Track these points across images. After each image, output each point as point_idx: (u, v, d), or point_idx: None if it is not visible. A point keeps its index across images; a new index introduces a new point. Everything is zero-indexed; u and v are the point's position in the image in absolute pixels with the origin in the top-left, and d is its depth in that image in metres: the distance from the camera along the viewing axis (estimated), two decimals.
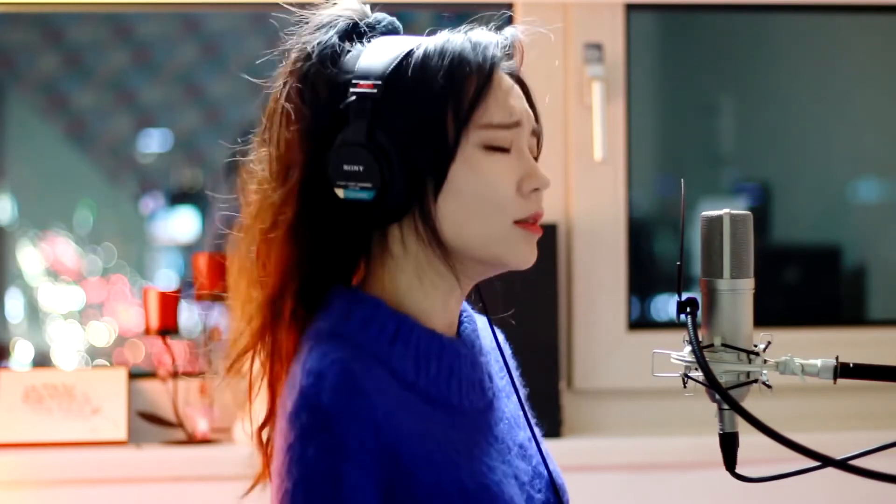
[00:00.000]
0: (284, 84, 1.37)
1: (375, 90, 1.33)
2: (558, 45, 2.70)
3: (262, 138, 1.38)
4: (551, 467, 1.45)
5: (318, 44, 1.36)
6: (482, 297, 1.47)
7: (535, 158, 1.40)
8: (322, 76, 1.35)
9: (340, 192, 1.33)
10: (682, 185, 1.43)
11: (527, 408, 1.51)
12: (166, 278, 5.29)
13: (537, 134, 1.41)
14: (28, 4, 2.88)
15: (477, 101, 1.34)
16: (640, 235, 3.90)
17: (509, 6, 2.75)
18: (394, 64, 1.34)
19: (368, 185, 1.32)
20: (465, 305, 1.46)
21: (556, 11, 2.72)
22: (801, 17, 3.55)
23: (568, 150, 2.72)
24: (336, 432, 1.25)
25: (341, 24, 1.38)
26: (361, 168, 1.32)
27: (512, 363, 1.55)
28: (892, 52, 3.32)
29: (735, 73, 3.95)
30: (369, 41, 1.39)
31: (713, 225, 1.37)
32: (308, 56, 1.36)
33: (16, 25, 5.12)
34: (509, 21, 1.44)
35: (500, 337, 1.53)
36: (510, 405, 1.47)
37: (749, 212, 1.38)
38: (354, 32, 1.39)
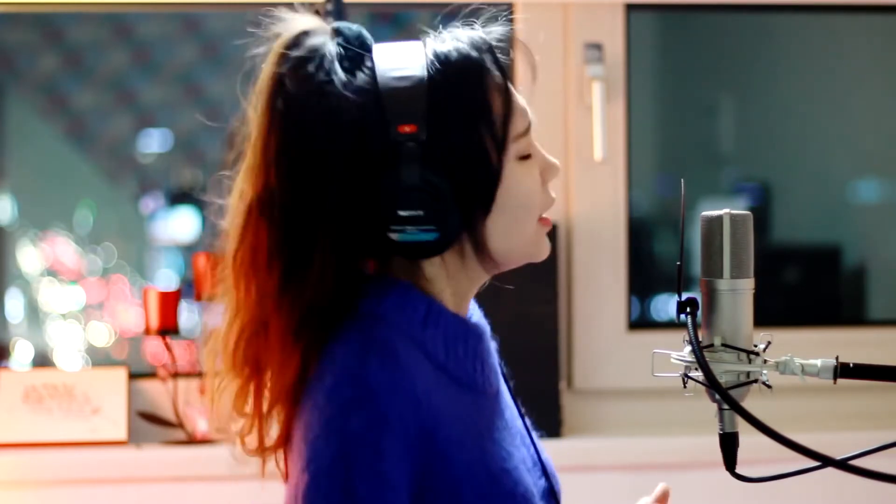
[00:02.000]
0: (285, 104, 1.33)
1: (419, 132, 1.32)
2: (558, 45, 2.70)
3: (262, 158, 1.33)
4: (543, 456, 1.46)
5: (315, 47, 1.33)
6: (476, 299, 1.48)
7: None
8: (342, 108, 1.31)
9: (395, 237, 1.32)
10: (682, 185, 1.44)
11: (517, 400, 1.52)
12: (166, 278, 5.28)
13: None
14: (28, 4, 2.88)
15: (507, 118, 1.36)
16: (640, 235, 3.91)
17: (509, 6, 2.75)
18: (426, 97, 1.33)
19: (431, 227, 1.32)
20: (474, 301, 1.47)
21: (556, 11, 2.72)
22: (801, 17, 3.55)
23: (568, 150, 2.71)
24: (379, 406, 1.26)
25: (329, 62, 1.33)
26: (422, 213, 1.31)
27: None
28: (892, 52, 3.32)
29: (735, 73, 3.95)
30: (359, 68, 1.34)
31: (713, 225, 1.37)
32: (313, 83, 1.32)
33: (16, 25, 5.12)
34: (504, 16, 1.43)
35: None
36: (508, 395, 1.48)
37: (749, 212, 1.38)
38: (346, 59, 1.35)
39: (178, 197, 5.41)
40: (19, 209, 5.23)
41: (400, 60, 1.35)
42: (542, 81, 2.34)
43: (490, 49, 1.37)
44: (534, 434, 1.48)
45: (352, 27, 1.38)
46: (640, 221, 3.98)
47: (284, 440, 1.34)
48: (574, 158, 2.72)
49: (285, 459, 1.36)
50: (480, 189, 1.34)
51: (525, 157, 1.38)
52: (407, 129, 1.32)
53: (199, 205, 5.36)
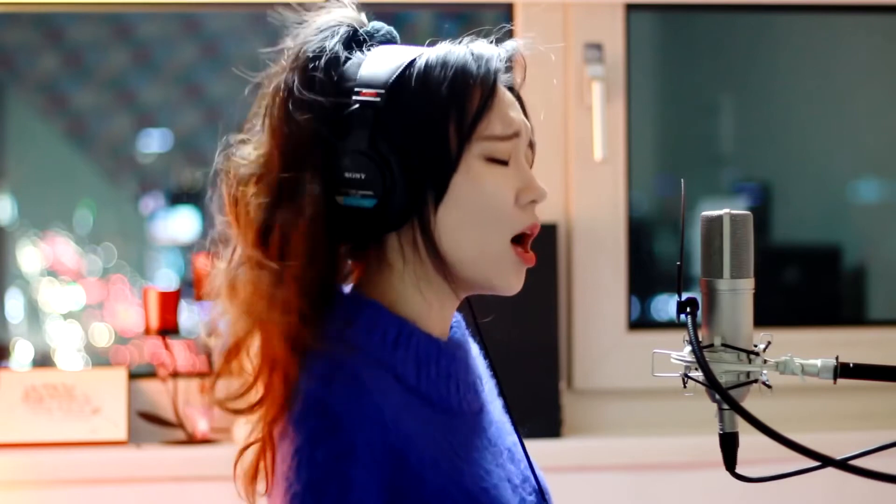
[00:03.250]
0: (283, 85, 1.36)
1: (378, 98, 1.33)
2: (558, 46, 2.70)
3: (253, 138, 1.37)
4: (536, 472, 1.46)
5: (321, 49, 1.36)
6: (472, 310, 1.47)
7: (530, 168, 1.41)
8: (324, 82, 1.34)
9: (340, 199, 1.33)
10: (682, 185, 1.44)
11: (511, 413, 1.51)
12: (166, 278, 5.28)
13: (532, 145, 1.41)
14: (28, 4, 2.88)
15: (481, 113, 1.34)
16: (640, 235, 3.90)
17: (509, 6, 2.75)
18: (397, 73, 1.34)
19: (370, 192, 1.32)
20: (459, 317, 1.46)
21: (556, 11, 2.72)
22: (801, 17, 3.55)
23: (568, 150, 2.72)
24: (344, 436, 1.25)
25: (342, 31, 1.38)
26: (363, 176, 1.32)
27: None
28: (892, 52, 3.32)
29: (735, 73, 3.95)
30: (369, 49, 1.39)
31: (713, 225, 1.37)
32: (309, 61, 1.35)
33: (16, 25, 5.12)
34: (510, 34, 1.43)
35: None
36: (496, 409, 1.47)
37: (749, 212, 1.38)
38: (354, 40, 1.39)
39: (178, 197, 5.41)
40: (19, 209, 5.22)
41: (396, 53, 1.37)
42: (542, 81, 2.34)
43: (487, 57, 1.37)
44: (526, 449, 1.47)
45: (383, 27, 1.41)
46: (640, 221, 3.98)
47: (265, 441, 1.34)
48: (574, 158, 2.72)
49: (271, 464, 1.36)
50: (432, 171, 1.33)
51: (497, 162, 1.36)
52: (366, 93, 1.33)
53: (199, 205, 5.36)
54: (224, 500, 2.46)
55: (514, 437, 1.47)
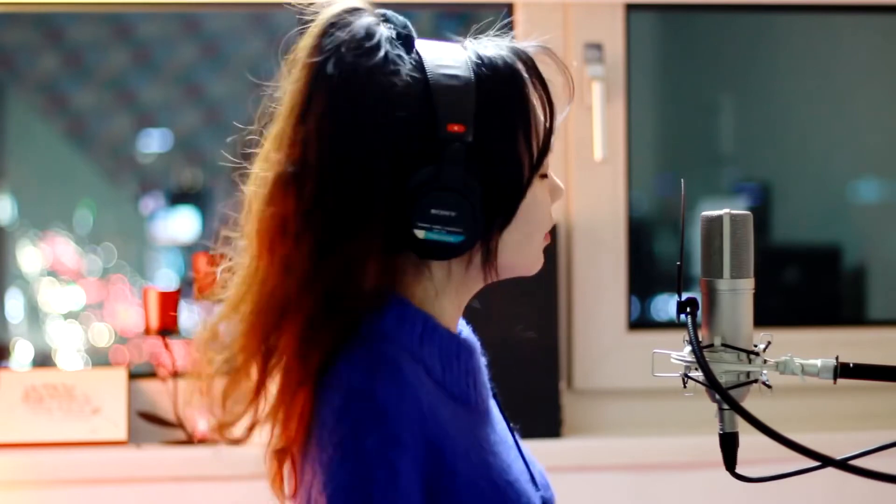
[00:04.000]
0: (334, 73, 1.29)
1: (466, 134, 1.31)
2: (558, 45, 2.70)
3: (284, 133, 1.31)
4: (534, 469, 1.46)
5: (373, 45, 1.30)
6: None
7: None
8: (394, 93, 1.30)
9: (421, 234, 1.30)
10: (682, 185, 1.44)
11: (506, 415, 1.52)
12: (166, 278, 5.28)
13: None
14: (28, 4, 2.88)
15: (549, 133, 1.36)
16: (640, 235, 3.91)
17: (509, 6, 2.75)
18: (475, 99, 1.32)
19: (458, 230, 1.31)
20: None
21: (556, 11, 2.72)
22: (801, 17, 3.55)
23: (568, 150, 2.72)
24: (391, 425, 1.25)
25: (383, 31, 1.32)
26: (454, 214, 1.30)
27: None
28: (892, 52, 3.32)
29: (735, 73, 3.95)
30: (402, 46, 1.34)
31: (713, 225, 1.37)
32: (366, 61, 1.30)
33: (16, 25, 5.12)
34: (510, 27, 1.42)
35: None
36: (496, 409, 1.48)
37: (749, 212, 1.38)
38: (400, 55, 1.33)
39: (178, 197, 5.41)
40: (19, 209, 5.23)
41: (446, 57, 1.34)
42: None
43: (532, 62, 1.37)
44: (523, 449, 1.47)
45: (398, 16, 1.37)
46: (640, 221, 3.98)
47: (286, 447, 1.32)
48: (574, 158, 2.72)
49: (279, 468, 1.35)
50: (506, 201, 1.34)
51: (544, 176, 1.38)
52: (456, 128, 1.30)
53: (199, 205, 5.36)
54: (224, 500, 2.46)
55: (511, 439, 1.48)
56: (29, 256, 5.20)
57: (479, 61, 1.35)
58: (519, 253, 1.37)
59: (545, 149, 1.36)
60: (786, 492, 2.55)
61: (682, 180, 1.47)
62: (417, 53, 1.34)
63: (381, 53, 1.30)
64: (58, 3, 3.03)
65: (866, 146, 3.67)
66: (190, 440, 2.52)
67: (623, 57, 2.74)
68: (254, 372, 1.33)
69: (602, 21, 2.73)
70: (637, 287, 3.23)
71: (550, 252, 2.68)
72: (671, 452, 2.59)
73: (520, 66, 1.36)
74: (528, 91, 1.36)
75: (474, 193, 1.31)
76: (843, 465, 1.28)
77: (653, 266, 4.04)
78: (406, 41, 1.35)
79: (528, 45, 1.39)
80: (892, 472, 1.27)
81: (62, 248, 5.25)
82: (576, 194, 2.72)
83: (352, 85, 1.29)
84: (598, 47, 2.71)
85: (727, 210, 1.37)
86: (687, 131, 4.21)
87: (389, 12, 1.36)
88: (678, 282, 1.36)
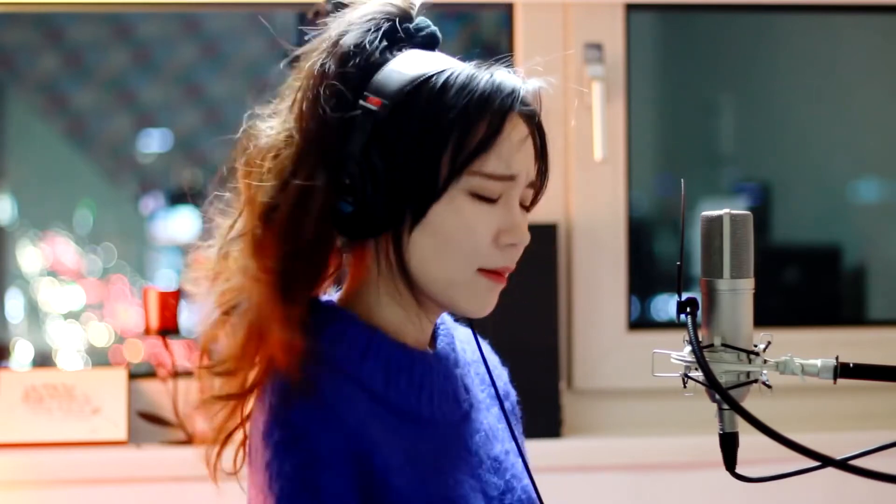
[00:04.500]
0: (318, 69, 1.35)
1: (380, 109, 1.32)
2: (558, 45, 2.70)
3: (281, 113, 1.37)
4: (523, 483, 1.45)
5: (360, 43, 1.35)
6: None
7: (529, 209, 1.39)
8: (354, 80, 1.34)
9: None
10: (682, 185, 1.44)
11: (512, 421, 1.50)
12: (166, 278, 5.28)
13: (535, 187, 1.39)
14: (28, 4, 2.88)
15: (479, 150, 1.33)
16: (640, 235, 3.90)
17: (509, 6, 2.75)
18: (408, 87, 1.33)
19: (349, 199, 1.32)
20: (445, 317, 1.46)
21: (556, 11, 2.72)
22: (801, 17, 3.55)
23: (568, 150, 2.72)
24: (308, 445, 1.27)
25: (385, 27, 1.37)
26: (348, 181, 1.32)
27: (501, 371, 1.55)
28: (892, 52, 3.32)
29: (735, 73, 3.95)
30: (400, 51, 1.37)
31: (713, 225, 1.37)
32: (348, 53, 1.35)
33: (16, 25, 5.12)
34: (510, 58, 1.41)
35: (486, 348, 1.53)
36: (490, 417, 1.47)
37: (749, 212, 1.38)
38: (392, 37, 1.37)
39: (178, 197, 5.41)
40: (19, 209, 5.22)
41: (424, 61, 1.36)
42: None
43: (508, 92, 1.34)
44: (526, 458, 1.47)
45: (430, 25, 1.40)
46: (640, 221, 3.98)
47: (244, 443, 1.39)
48: (574, 158, 2.72)
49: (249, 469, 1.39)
50: (415, 194, 1.32)
51: (483, 200, 1.34)
52: (371, 100, 1.33)
53: (199, 205, 5.36)
54: (224, 500, 2.46)
55: (509, 446, 1.47)
56: (29, 256, 5.20)
57: (459, 70, 1.35)
58: (432, 267, 1.34)
59: (467, 158, 1.32)
60: (786, 492, 2.55)
61: (682, 180, 1.47)
62: (403, 52, 1.37)
63: (363, 56, 1.35)
64: (58, 3, 3.03)
65: (866, 146, 3.66)
66: (190, 440, 2.52)
67: (623, 57, 2.74)
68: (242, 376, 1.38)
69: (602, 21, 2.73)
70: (637, 287, 3.23)
71: (550, 252, 2.69)
72: (671, 452, 2.59)
73: (489, 84, 1.34)
74: (481, 105, 1.33)
75: (372, 168, 1.32)
76: (843, 465, 1.28)
77: (653, 266, 4.03)
78: (422, 41, 1.39)
79: (526, 82, 1.37)
80: (892, 472, 1.27)
81: (62, 248, 5.25)
82: (576, 194, 2.72)
83: (324, 73, 1.35)
84: (598, 47, 2.71)
85: (727, 210, 1.37)
86: (687, 131, 4.20)
87: (420, 24, 1.40)
88: (678, 282, 1.36)
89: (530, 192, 1.39)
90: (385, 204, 1.32)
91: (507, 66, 1.38)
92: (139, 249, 5.49)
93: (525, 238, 1.36)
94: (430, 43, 1.40)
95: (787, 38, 3.83)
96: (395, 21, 1.38)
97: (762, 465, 1.38)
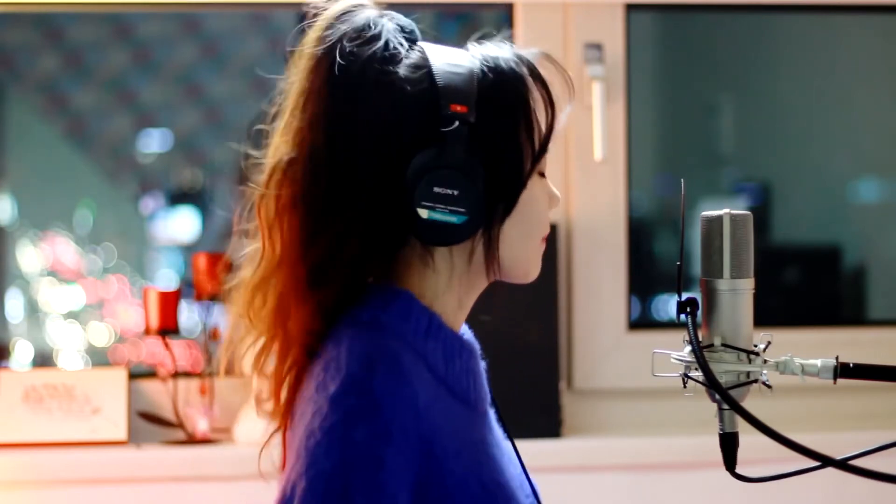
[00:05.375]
0: (337, 64, 1.33)
1: (469, 114, 1.32)
2: (558, 45, 2.70)
3: (287, 123, 1.35)
4: (530, 479, 1.47)
5: (378, 35, 1.35)
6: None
7: None
8: (395, 78, 1.33)
9: (424, 213, 1.32)
10: (682, 185, 1.44)
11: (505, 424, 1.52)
12: (166, 278, 5.29)
13: None
14: (28, 4, 2.88)
15: (550, 129, 1.38)
16: (640, 235, 3.91)
17: (509, 6, 2.75)
18: (477, 86, 1.34)
19: (461, 210, 1.32)
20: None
21: (556, 11, 2.72)
22: (801, 17, 3.56)
23: (568, 150, 2.72)
24: (383, 417, 1.26)
25: (388, 24, 1.37)
26: (456, 193, 1.32)
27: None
28: (892, 52, 3.32)
29: (735, 73, 3.95)
30: (407, 40, 1.38)
31: (713, 225, 1.37)
32: (371, 52, 1.34)
33: (16, 25, 5.12)
34: (510, 38, 1.44)
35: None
36: (492, 415, 1.49)
37: (749, 212, 1.38)
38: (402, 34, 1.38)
39: (178, 197, 5.41)
40: (19, 209, 5.23)
41: (449, 52, 1.38)
42: None
43: (532, 65, 1.39)
44: (521, 458, 1.48)
45: (403, 17, 1.41)
46: (640, 221, 3.98)
47: (285, 413, 1.36)
48: (574, 158, 2.72)
49: (283, 445, 1.37)
50: (508, 188, 1.35)
51: (542, 175, 1.40)
52: (458, 108, 1.32)
53: (199, 205, 5.36)
54: (224, 500, 2.46)
55: (508, 444, 1.48)
56: (29, 256, 5.20)
57: (482, 57, 1.37)
58: (519, 250, 1.38)
59: (545, 143, 1.37)
60: (786, 492, 2.55)
61: (682, 180, 1.47)
62: (420, 47, 1.37)
63: (381, 42, 1.35)
64: (58, 3, 3.03)
65: (866, 146, 3.67)
66: (190, 440, 2.52)
67: (623, 57, 2.74)
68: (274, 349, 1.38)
69: (602, 21, 2.73)
70: (637, 287, 3.23)
71: (550, 252, 2.68)
72: (671, 452, 2.59)
73: (521, 65, 1.38)
74: (529, 85, 1.37)
75: (476, 173, 1.32)
76: (843, 465, 1.28)
77: (653, 266, 4.04)
78: (410, 35, 1.39)
79: (527, 50, 1.41)
80: (892, 472, 1.27)
81: (62, 248, 5.25)
82: (576, 194, 2.72)
83: (350, 72, 1.33)
84: (598, 47, 2.71)
85: (727, 210, 1.37)
86: (687, 131, 4.21)
87: (395, 13, 1.39)
88: (678, 282, 1.36)
89: None
90: (486, 206, 1.33)
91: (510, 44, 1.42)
92: (139, 249, 5.49)
93: (559, 200, 1.43)
94: (417, 35, 1.41)
95: (787, 38, 3.83)
96: (392, 24, 1.38)
97: (762, 465, 1.38)
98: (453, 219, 1.32)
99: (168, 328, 2.54)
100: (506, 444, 1.46)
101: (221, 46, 5.22)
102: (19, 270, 5.18)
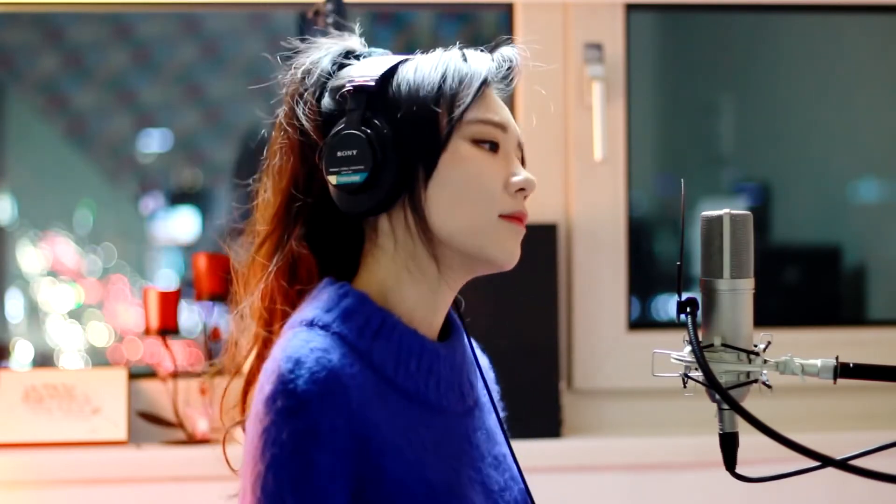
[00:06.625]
0: (286, 106, 1.44)
1: (372, 83, 1.38)
2: (558, 45, 2.70)
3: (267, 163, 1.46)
4: (519, 486, 1.46)
5: (315, 61, 1.44)
6: (460, 314, 1.48)
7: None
8: (321, 85, 1.42)
9: (333, 179, 1.37)
10: (682, 185, 1.44)
11: (505, 428, 1.52)
12: (166, 278, 5.28)
13: (521, 146, 1.45)
14: (28, 4, 2.88)
15: (472, 99, 1.39)
16: (640, 235, 3.90)
17: (509, 6, 2.75)
18: (392, 63, 1.40)
19: (360, 167, 1.36)
20: (458, 323, 1.47)
21: (556, 11, 2.72)
22: (801, 17, 3.55)
23: (568, 150, 2.72)
24: (310, 418, 1.28)
25: (336, 49, 1.45)
26: (354, 152, 1.36)
27: (490, 374, 1.56)
28: (892, 52, 3.32)
29: (735, 73, 3.95)
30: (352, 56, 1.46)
31: (713, 225, 1.37)
32: (307, 73, 1.43)
33: (16, 25, 5.12)
34: (509, 41, 1.47)
35: (484, 362, 1.55)
36: (490, 419, 1.48)
37: (749, 212, 1.38)
38: (351, 55, 1.46)
39: (178, 197, 5.41)
40: (19, 209, 5.23)
41: (391, 56, 1.45)
42: (542, 82, 2.34)
43: (480, 60, 1.43)
44: (519, 465, 1.48)
45: (379, 51, 1.48)
46: (640, 221, 3.98)
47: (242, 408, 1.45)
48: (574, 158, 2.72)
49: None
50: (421, 149, 1.37)
51: (486, 147, 1.40)
52: (359, 80, 1.39)
53: (200, 205, 5.37)
54: (224, 500, 2.46)
55: (506, 450, 1.48)
56: (29, 256, 5.20)
57: (423, 52, 1.44)
58: (455, 217, 1.38)
59: (458, 107, 1.38)
60: (786, 492, 2.55)
61: (682, 180, 1.48)
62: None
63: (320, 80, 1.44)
64: (58, 3, 3.03)
65: (866, 146, 3.66)
66: (190, 440, 2.52)
67: (623, 57, 2.74)
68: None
69: (602, 21, 2.73)
70: (637, 287, 3.22)
71: (550, 252, 2.68)
72: (671, 452, 2.59)
73: (454, 55, 1.43)
74: (455, 64, 1.41)
75: (380, 134, 1.37)
76: (843, 465, 1.28)
77: (653, 266, 4.03)
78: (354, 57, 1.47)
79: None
80: (892, 472, 1.27)
81: (62, 248, 5.25)
82: (576, 194, 2.72)
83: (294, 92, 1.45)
84: (598, 47, 2.71)
85: (727, 210, 1.37)
86: (687, 131, 4.20)
87: (373, 50, 1.48)
88: (678, 282, 1.36)
89: (519, 153, 1.45)
90: (397, 166, 1.37)
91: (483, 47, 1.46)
92: (139, 249, 5.49)
93: (532, 184, 1.42)
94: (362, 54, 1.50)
95: (788, 38, 3.83)
96: (346, 48, 1.47)
97: (762, 465, 1.38)
98: (356, 178, 1.36)
99: (168, 328, 2.54)
100: (500, 450, 1.45)
101: (221, 46, 5.22)
102: (19, 270, 5.18)
